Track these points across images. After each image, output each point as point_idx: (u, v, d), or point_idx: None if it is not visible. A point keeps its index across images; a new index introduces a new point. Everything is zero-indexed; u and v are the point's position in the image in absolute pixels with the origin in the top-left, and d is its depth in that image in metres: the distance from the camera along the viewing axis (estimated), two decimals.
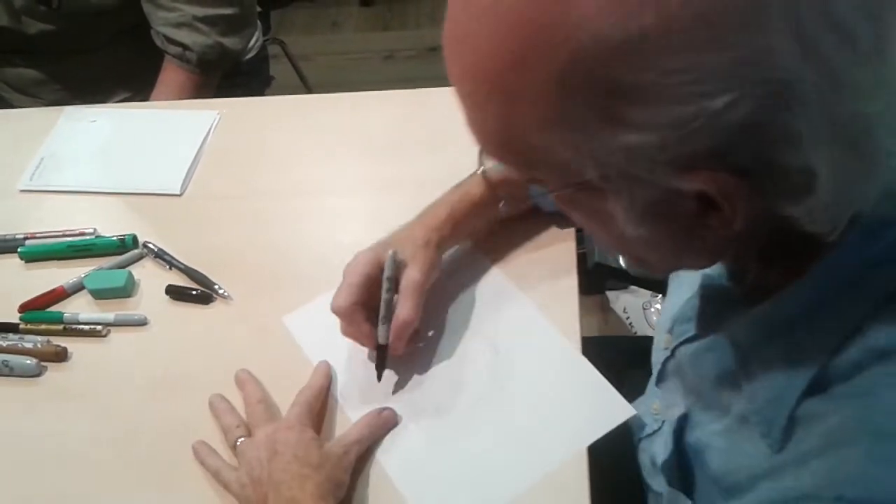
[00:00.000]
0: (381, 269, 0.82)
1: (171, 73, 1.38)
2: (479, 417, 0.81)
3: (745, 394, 0.56)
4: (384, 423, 0.80)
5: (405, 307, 0.81)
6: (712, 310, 0.63)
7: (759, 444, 0.54)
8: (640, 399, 0.81)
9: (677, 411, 0.68)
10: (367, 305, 0.82)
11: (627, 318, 1.79)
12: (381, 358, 0.83)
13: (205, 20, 1.34)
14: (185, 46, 1.34)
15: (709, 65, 0.38)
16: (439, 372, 0.85)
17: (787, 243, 0.49)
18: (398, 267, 0.83)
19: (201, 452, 0.80)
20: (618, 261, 1.35)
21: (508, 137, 0.46)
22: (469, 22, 0.43)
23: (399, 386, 0.84)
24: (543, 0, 0.39)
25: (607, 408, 0.79)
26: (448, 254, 0.91)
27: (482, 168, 0.54)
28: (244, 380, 0.85)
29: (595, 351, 0.85)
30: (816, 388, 0.50)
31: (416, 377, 0.85)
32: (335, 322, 0.83)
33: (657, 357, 0.77)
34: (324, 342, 0.87)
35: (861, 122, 0.40)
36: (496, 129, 0.46)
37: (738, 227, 0.44)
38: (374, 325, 0.82)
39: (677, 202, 0.44)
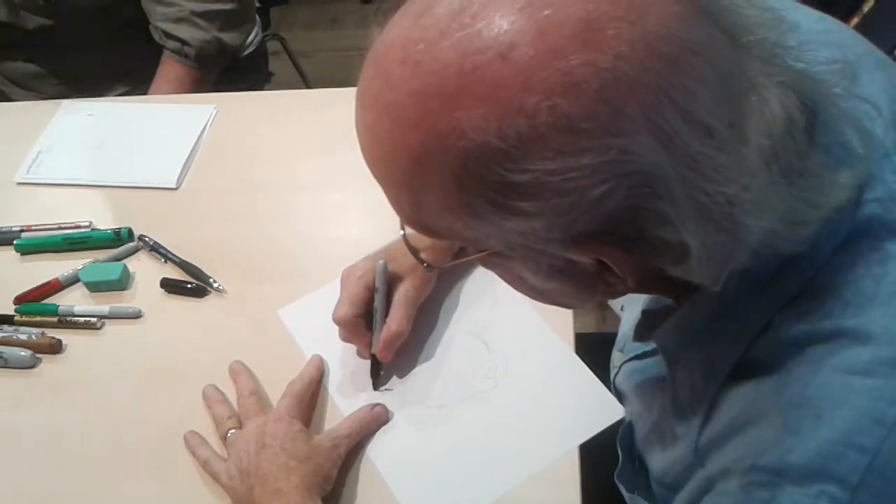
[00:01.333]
0: (373, 282, 0.84)
1: (169, 68, 1.38)
2: (470, 414, 0.81)
3: (670, 397, 0.60)
4: (375, 419, 0.81)
5: (396, 319, 0.83)
6: (649, 322, 0.66)
7: (684, 437, 0.58)
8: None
9: (626, 420, 0.73)
10: (366, 315, 0.84)
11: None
12: (376, 366, 0.84)
13: (203, 15, 1.35)
14: (183, 41, 1.35)
15: (582, 164, 0.42)
16: (431, 368, 0.85)
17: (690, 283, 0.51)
18: (390, 278, 0.84)
19: (192, 442, 0.81)
20: None
21: (420, 219, 0.51)
22: (374, 117, 0.47)
23: (390, 381, 0.85)
24: (432, 110, 0.44)
25: (599, 408, 0.79)
26: None
27: (402, 233, 0.59)
28: (237, 371, 0.86)
29: (591, 347, 0.86)
30: (734, 376, 0.53)
31: (407, 373, 0.85)
32: (329, 316, 0.84)
33: (612, 375, 0.80)
34: (318, 336, 0.88)
35: (728, 204, 0.44)
36: (409, 211, 0.51)
37: (631, 284, 0.50)
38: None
39: (576, 265, 0.50)
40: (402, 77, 0.45)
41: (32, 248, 1.02)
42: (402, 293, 0.84)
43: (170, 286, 0.96)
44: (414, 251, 0.63)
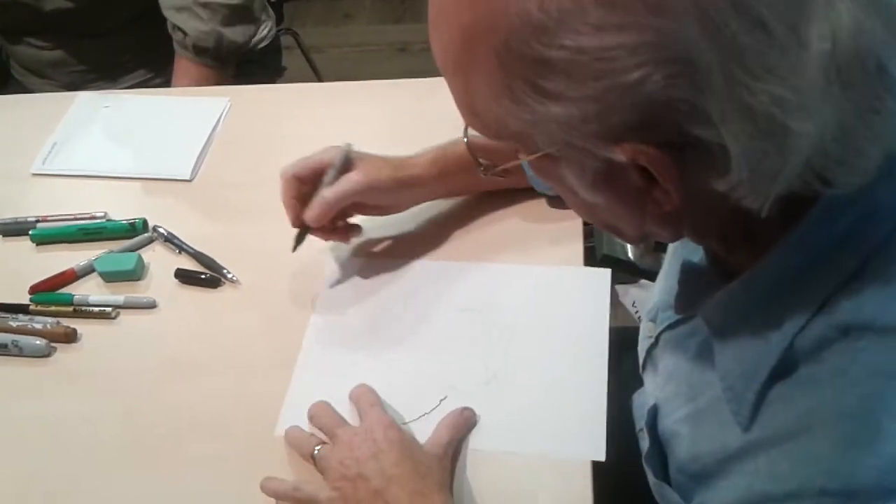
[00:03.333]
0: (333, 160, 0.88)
1: (180, 64, 1.38)
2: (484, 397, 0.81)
3: (719, 373, 0.57)
4: (466, 423, 0.79)
5: (330, 192, 0.86)
6: (689, 292, 0.63)
7: (728, 424, 0.55)
8: (640, 391, 0.81)
9: (650, 403, 0.70)
10: (311, 183, 0.88)
11: (636, 311, 1.79)
12: (302, 234, 0.89)
13: (207, 6, 1.34)
14: (183, 32, 1.34)
15: (618, 44, 0.41)
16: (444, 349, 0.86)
17: (744, 222, 0.49)
18: (348, 161, 0.88)
19: (270, 486, 0.76)
20: (626, 253, 1.34)
21: (474, 109, 0.51)
22: (439, 5, 0.48)
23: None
24: None
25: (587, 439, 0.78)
26: (462, 249, 0.93)
27: (465, 139, 0.61)
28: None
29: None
30: (785, 366, 0.51)
31: (426, 357, 0.86)
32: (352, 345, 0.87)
33: (642, 346, 0.77)
34: (324, 360, 0.87)
35: (773, 105, 0.41)
36: (465, 101, 0.51)
37: (678, 201, 0.47)
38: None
39: (621, 174, 0.47)
40: None
41: (48, 238, 1.03)
42: (348, 177, 0.87)
43: (184, 277, 0.96)
44: (472, 150, 0.63)
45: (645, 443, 0.70)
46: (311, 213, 0.87)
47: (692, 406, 0.62)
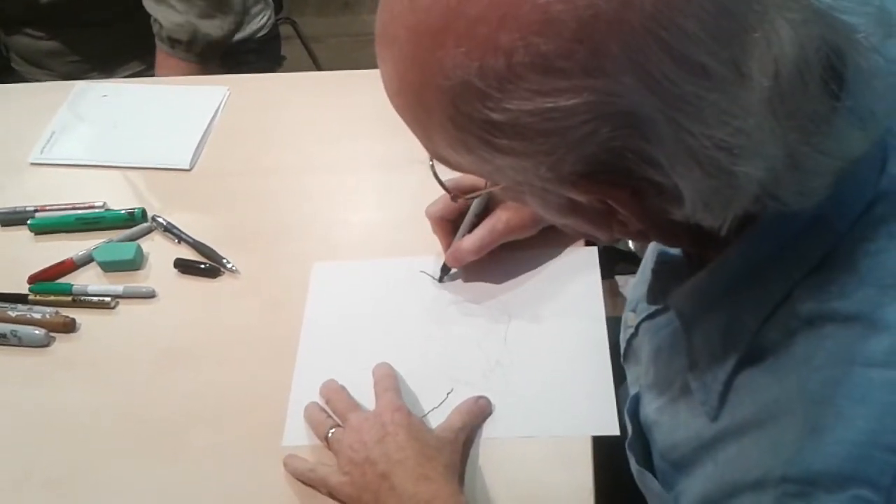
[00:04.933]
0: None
1: (159, 56, 1.36)
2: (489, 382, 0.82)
3: (689, 363, 0.58)
4: (482, 411, 0.79)
5: (472, 238, 0.86)
6: (663, 282, 0.63)
7: (698, 414, 0.56)
8: (623, 382, 0.82)
9: (631, 392, 0.71)
10: (457, 221, 0.89)
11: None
12: (446, 267, 0.90)
13: None
14: (158, 23, 1.33)
15: (560, 106, 0.42)
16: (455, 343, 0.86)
17: (708, 230, 0.49)
18: (492, 203, 0.87)
19: (292, 465, 0.77)
20: (627, 244, 1.34)
21: (435, 151, 0.52)
22: (381, 49, 0.49)
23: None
24: (423, 46, 0.45)
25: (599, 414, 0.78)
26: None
27: (430, 163, 0.60)
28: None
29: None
30: (751, 355, 0.52)
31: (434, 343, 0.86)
32: (357, 287, 0.90)
33: (623, 335, 0.77)
34: (333, 306, 0.90)
35: (716, 150, 0.42)
36: (425, 143, 0.52)
37: (640, 226, 0.49)
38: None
39: (583, 204, 0.49)
40: (401, 10, 0.46)
41: (46, 228, 1.03)
42: (491, 219, 0.87)
43: (183, 266, 0.96)
44: (439, 179, 0.65)
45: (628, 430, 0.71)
46: (468, 255, 0.87)
47: (668, 395, 0.63)
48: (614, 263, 1.69)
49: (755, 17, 0.40)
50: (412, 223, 0.94)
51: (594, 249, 0.91)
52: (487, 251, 0.87)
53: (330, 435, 0.77)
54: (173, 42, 1.33)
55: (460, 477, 0.74)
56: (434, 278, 0.91)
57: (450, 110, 0.45)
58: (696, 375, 0.57)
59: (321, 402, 0.82)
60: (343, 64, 1.28)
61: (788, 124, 0.42)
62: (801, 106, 0.42)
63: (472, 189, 0.76)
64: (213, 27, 1.35)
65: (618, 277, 1.78)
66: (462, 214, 0.88)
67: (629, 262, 1.53)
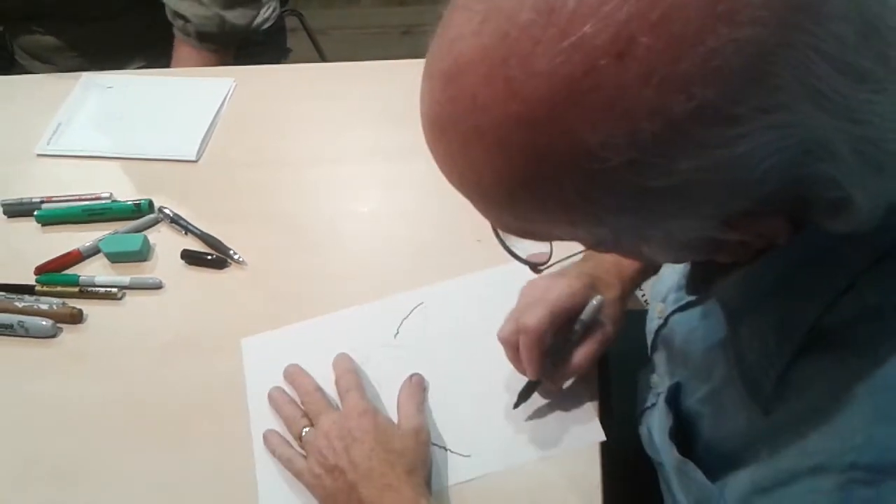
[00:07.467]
0: (578, 306, 0.77)
1: (180, 51, 1.36)
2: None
3: (734, 356, 0.56)
4: (419, 385, 0.81)
5: (583, 355, 0.77)
6: (703, 273, 0.62)
7: (747, 406, 0.55)
8: (643, 371, 0.81)
9: (669, 380, 0.69)
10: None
11: (643, 294, 1.78)
12: (530, 390, 0.79)
13: None
14: (185, 18, 1.33)
15: (737, 153, 0.38)
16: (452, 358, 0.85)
17: None
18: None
19: (272, 441, 0.79)
20: None
21: (523, 228, 0.47)
22: (460, 143, 0.42)
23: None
24: (543, 132, 0.38)
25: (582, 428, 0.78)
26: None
27: (498, 237, 0.54)
28: (294, 373, 0.84)
29: None
30: (809, 347, 0.50)
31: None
32: (290, 359, 0.85)
33: (650, 327, 0.76)
34: (272, 378, 0.85)
35: (887, 145, 0.40)
36: (509, 222, 0.47)
37: (774, 244, 0.46)
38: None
39: (719, 240, 0.45)
40: (493, 98, 0.39)
41: (53, 219, 1.03)
42: (602, 334, 0.78)
43: (190, 257, 0.96)
44: (515, 254, 0.56)
45: (656, 422, 0.70)
46: (568, 375, 0.78)
47: (709, 387, 0.62)
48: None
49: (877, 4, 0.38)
50: (418, 213, 0.94)
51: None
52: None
53: (304, 433, 0.77)
54: (202, 36, 1.34)
55: (423, 469, 0.74)
56: (511, 403, 0.79)
57: (585, 189, 0.40)
58: (744, 369, 0.55)
59: (289, 391, 0.82)
60: (348, 56, 1.28)
61: None
62: None
63: (543, 256, 0.60)
64: (238, 16, 1.36)
65: None
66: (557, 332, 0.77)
67: None
